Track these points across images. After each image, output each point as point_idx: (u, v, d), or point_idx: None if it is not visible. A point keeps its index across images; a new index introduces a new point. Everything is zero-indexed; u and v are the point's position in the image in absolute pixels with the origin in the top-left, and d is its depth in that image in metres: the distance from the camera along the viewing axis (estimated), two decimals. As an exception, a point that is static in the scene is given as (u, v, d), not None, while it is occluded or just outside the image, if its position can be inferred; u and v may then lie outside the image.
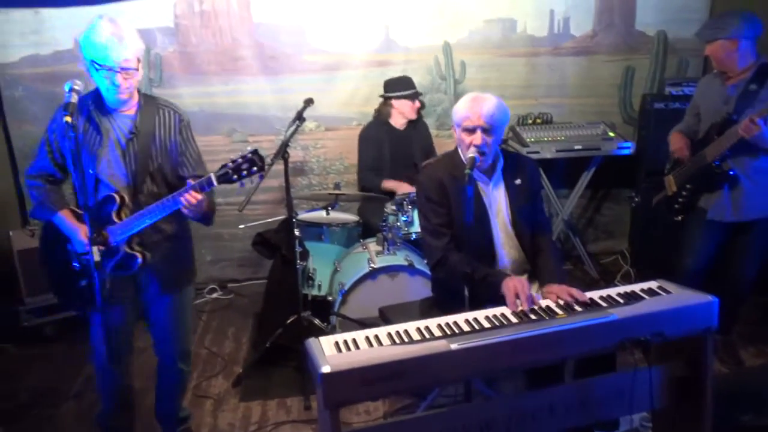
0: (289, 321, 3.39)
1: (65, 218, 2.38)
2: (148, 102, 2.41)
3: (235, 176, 2.24)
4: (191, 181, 2.26)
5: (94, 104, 2.33)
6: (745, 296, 3.33)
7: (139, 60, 2.27)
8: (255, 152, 2.25)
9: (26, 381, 3.47)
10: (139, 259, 2.37)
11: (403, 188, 3.87)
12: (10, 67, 4.25)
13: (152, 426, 2.86)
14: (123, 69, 2.21)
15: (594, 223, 5.07)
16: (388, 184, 4.02)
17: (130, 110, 2.36)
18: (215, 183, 2.24)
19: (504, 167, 2.57)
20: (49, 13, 4.17)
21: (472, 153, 2.36)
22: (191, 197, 2.23)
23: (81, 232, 2.34)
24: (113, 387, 2.60)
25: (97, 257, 2.13)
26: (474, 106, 2.38)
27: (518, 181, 2.57)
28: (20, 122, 4.32)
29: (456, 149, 2.57)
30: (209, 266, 4.75)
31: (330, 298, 3.56)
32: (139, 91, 2.40)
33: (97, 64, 2.19)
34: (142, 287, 2.52)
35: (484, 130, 2.38)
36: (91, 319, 2.50)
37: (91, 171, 2.30)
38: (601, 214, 5.05)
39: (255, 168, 2.24)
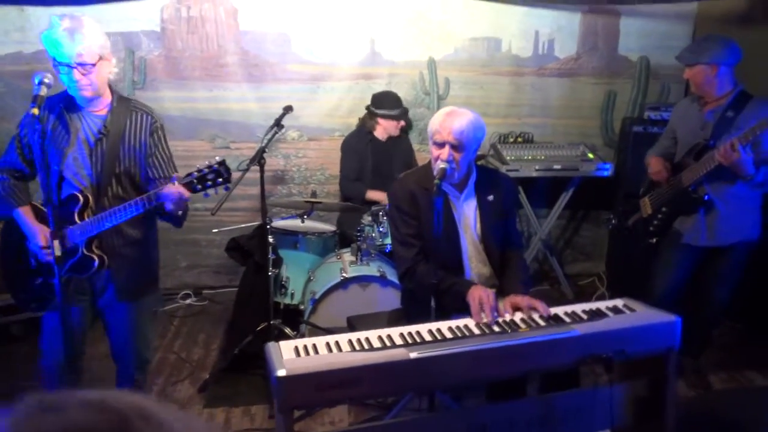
0: (259, 328, 3.36)
1: (24, 215, 2.34)
2: (122, 103, 2.38)
3: (199, 186, 2.23)
4: (177, 175, 2.25)
5: (65, 103, 2.31)
6: (716, 320, 3.34)
7: (100, 57, 2.22)
8: (222, 163, 2.24)
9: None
10: (96, 263, 2.33)
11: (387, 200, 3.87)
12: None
13: None
14: (79, 64, 2.18)
15: (572, 245, 5.09)
16: (373, 194, 4.03)
17: (102, 110, 2.35)
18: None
19: (477, 182, 2.57)
20: (34, 12, 4.16)
21: (442, 165, 2.36)
22: (175, 189, 2.19)
23: (39, 231, 2.30)
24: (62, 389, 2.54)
25: (58, 252, 2.11)
26: (445, 121, 2.38)
27: (491, 197, 2.57)
28: (1, 116, 4.30)
29: (429, 163, 2.57)
30: (184, 272, 4.72)
31: (302, 307, 3.53)
32: (113, 92, 2.38)
33: (56, 60, 2.18)
34: (97, 292, 2.47)
35: (453, 146, 2.37)
36: (43, 320, 2.45)
37: (56, 168, 2.28)
38: (580, 236, 5.07)
39: (220, 179, 2.24)
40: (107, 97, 2.36)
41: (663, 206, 3.18)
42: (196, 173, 2.22)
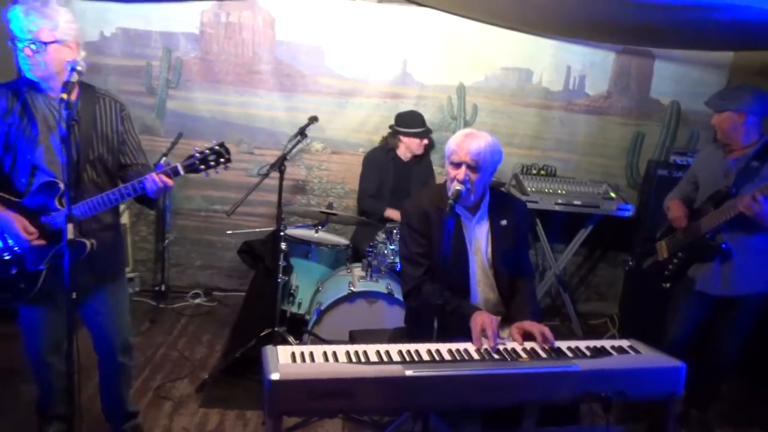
0: (262, 334, 3.37)
1: None
2: (87, 90, 2.38)
3: (202, 166, 2.28)
4: (163, 163, 2.28)
5: (29, 88, 2.28)
6: (726, 373, 3.25)
7: (56, 40, 2.19)
8: (221, 145, 2.30)
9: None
10: (86, 246, 2.33)
11: None
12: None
13: (101, 423, 2.81)
14: (30, 41, 2.15)
15: (587, 283, 5.02)
16: (392, 213, 4.03)
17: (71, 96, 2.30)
18: (182, 172, 2.27)
19: (490, 206, 2.56)
20: (79, 6, 4.28)
21: (458, 186, 2.36)
22: (159, 178, 2.23)
23: (15, 220, 2.28)
24: (53, 377, 2.56)
25: (71, 235, 2.13)
26: (464, 142, 2.39)
27: (504, 222, 2.56)
28: None
29: (445, 182, 2.57)
30: (197, 271, 4.76)
31: (308, 317, 3.53)
32: (79, 81, 2.29)
33: (13, 34, 2.16)
34: (78, 278, 2.39)
35: (470, 167, 2.38)
36: (23, 311, 2.46)
37: (28, 157, 2.27)
38: (595, 275, 5.01)
39: (221, 159, 2.29)
40: (62, 79, 2.24)
41: (679, 251, 3.13)
42: (197, 155, 2.28)
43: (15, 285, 2.35)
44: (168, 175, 2.25)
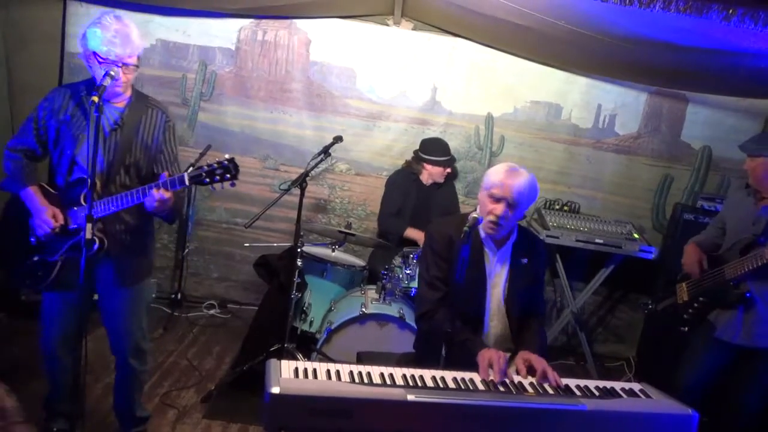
0: (272, 349, 3.36)
1: (34, 194, 2.43)
2: (139, 99, 2.50)
3: (207, 179, 2.32)
4: (166, 175, 2.32)
5: (87, 92, 2.41)
6: (741, 425, 3.14)
7: (138, 58, 2.37)
8: (231, 160, 2.34)
9: (5, 352, 3.49)
10: (96, 244, 2.39)
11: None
12: (77, 56, 4.48)
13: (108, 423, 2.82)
14: (125, 64, 2.32)
15: (605, 324, 4.92)
16: (412, 233, 4.02)
17: (121, 103, 2.45)
18: (187, 183, 2.31)
19: (515, 243, 2.54)
20: (124, 16, 4.40)
21: (491, 218, 2.35)
22: (157, 192, 2.28)
23: (47, 211, 2.38)
24: (60, 372, 2.59)
25: (89, 235, 2.18)
26: (508, 178, 2.37)
27: (524, 260, 2.54)
28: None
29: (473, 211, 2.56)
30: (214, 283, 4.79)
31: (318, 336, 3.51)
32: (133, 87, 2.48)
33: (100, 57, 2.29)
34: (96, 276, 2.53)
35: (509, 204, 2.37)
36: (46, 297, 2.52)
37: (70, 153, 2.38)
38: (614, 316, 4.91)
39: (228, 175, 2.33)
40: (127, 92, 2.46)
41: (700, 296, 3.05)
42: (206, 167, 2.32)
43: (35, 272, 2.43)
44: (165, 188, 2.29)
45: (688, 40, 3.37)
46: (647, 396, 2.14)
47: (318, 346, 3.32)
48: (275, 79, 4.56)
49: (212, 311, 4.63)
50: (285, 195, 3.59)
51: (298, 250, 3.35)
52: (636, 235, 4.27)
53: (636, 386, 2.21)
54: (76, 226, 2.39)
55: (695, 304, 3.09)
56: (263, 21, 4.47)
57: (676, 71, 3.92)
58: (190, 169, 2.37)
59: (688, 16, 3.16)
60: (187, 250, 4.62)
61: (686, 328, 3.12)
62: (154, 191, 2.28)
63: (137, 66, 2.38)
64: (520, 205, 2.39)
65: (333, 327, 3.27)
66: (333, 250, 3.86)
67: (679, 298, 3.19)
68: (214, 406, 3.26)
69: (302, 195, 3.30)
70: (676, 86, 4.48)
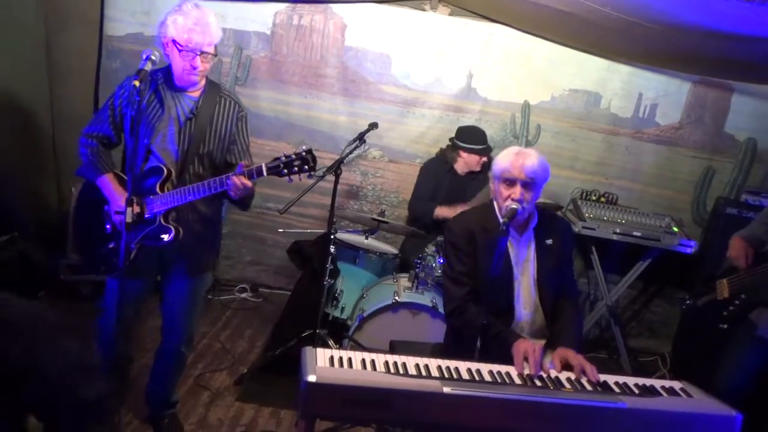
0: (303, 335, 3.37)
1: (109, 181, 2.46)
2: (213, 88, 2.51)
3: (285, 170, 2.30)
4: (243, 164, 2.32)
5: (164, 80, 2.44)
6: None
7: (215, 47, 2.39)
8: (309, 152, 2.32)
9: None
10: (173, 233, 2.42)
11: (457, 212, 3.80)
12: (115, 39, 4.52)
13: (139, 405, 2.87)
14: (203, 53, 2.34)
15: (639, 318, 4.83)
16: (442, 211, 3.94)
17: (195, 92, 2.47)
18: (265, 173, 2.30)
19: (537, 226, 2.50)
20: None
21: (514, 205, 2.31)
22: (239, 180, 2.28)
23: (123, 198, 2.39)
24: (113, 354, 2.63)
25: (129, 219, 2.20)
26: (517, 160, 2.34)
27: (549, 242, 2.50)
28: (111, 91, 4.40)
29: (491, 202, 2.52)
30: (246, 266, 4.82)
31: (349, 323, 3.52)
32: (207, 77, 2.50)
33: (179, 44, 2.31)
34: (166, 264, 2.57)
35: (524, 185, 2.33)
36: (109, 284, 2.56)
37: (146, 141, 2.40)
38: (650, 311, 4.81)
39: (306, 167, 2.31)
40: (202, 82, 2.48)
41: (742, 292, 2.96)
42: (283, 158, 2.30)
43: (110, 259, 2.46)
44: (246, 177, 2.29)
45: (736, 27, 3.25)
46: (688, 395, 2.09)
47: (350, 333, 3.33)
48: (310, 64, 4.54)
49: (244, 294, 4.67)
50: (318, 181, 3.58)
51: (332, 237, 3.34)
52: (675, 229, 4.16)
53: (677, 384, 2.15)
54: (151, 215, 2.41)
55: (736, 301, 3.00)
56: (299, 5, 4.44)
57: (721, 60, 3.80)
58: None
59: (736, 1, 3.05)
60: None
61: (726, 326, 3.03)
62: (235, 179, 2.28)
63: (215, 55, 2.39)
64: (535, 184, 2.36)
65: (365, 315, 3.27)
66: (366, 238, 3.85)
67: (719, 294, 3.10)
68: (246, 389, 3.29)
69: (336, 182, 3.29)
70: (721, 75, 4.32)
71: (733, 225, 3.88)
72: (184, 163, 2.44)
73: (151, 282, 2.63)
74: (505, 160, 2.38)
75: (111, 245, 2.49)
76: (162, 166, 2.40)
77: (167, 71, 2.44)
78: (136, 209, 2.35)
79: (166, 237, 2.43)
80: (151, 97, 2.41)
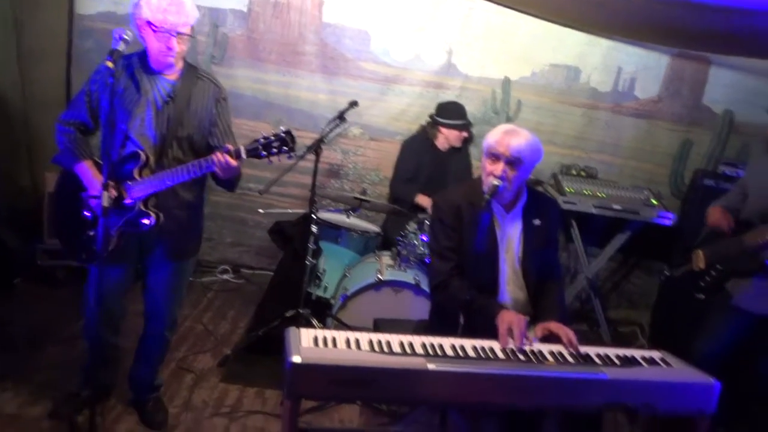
0: (287, 315, 3.37)
1: (88, 168, 2.41)
2: (190, 70, 2.45)
3: (264, 152, 2.26)
4: (229, 146, 2.28)
5: (140, 63, 2.38)
6: (757, 392, 3.13)
7: (192, 27, 2.33)
8: (288, 132, 2.28)
9: (23, 317, 3.52)
10: (153, 219, 2.39)
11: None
12: (86, 18, 4.41)
13: (122, 389, 2.86)
14: (179, 34, 2.28)
15: (619, 290, 4.90)
16: (422, 199, 3.97)
17: (173, 75, 2.41)
18: (244, 156, 2.26)
19: (526, 205, 2.50)
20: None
21: (495, 181, 2.30)
22: (223, 158, 2.24)
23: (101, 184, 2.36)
24: (100, 342, 2.61)
25: (105, 203, 2.16)
26: (504, 137, 2.34)
27: (537, 222, 2.50)
28: (84, 72, 4.44)
29: (479, 178, 2.52)
30: (227, 248, 4.79)
31: (333, 302, 3.52)
32: (184, 59, 2.44)
33: (154, 26, 2.25)
34: (147, 250, 2.54)
35: (509, 162, 2.32)
36: (93, 271, 2.53)
37: (123, 126, 2.34)
38: (629, 282, 4.88)
39: (285, 147, 2.27)
40: (179, 65, 2.42)
41: (718, 263, 3.00)
42: (262, 140, 2.27)
43: (90, 246, 2.42)
44: (232, 156, 2.25)
45: (715, -1, 3.25)
46: (668, 364, 2.13)
47: (334, 312, 3.33)
48: (287, 42, 4.47)
49: (226, 276, 4.65)
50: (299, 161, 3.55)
51: (313, 216, 3.32)
52: (654, 201, 4.21)
53: (656, 354, 2.19)
54: (132, 201, 2.36)
55: (712, 272, 3.04)
56: (276, -19, 4.37)
57: (700, 32, 3.79)
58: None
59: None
60: (200, 216, 4.61)
61: (702, 296, 3.08)
62: (220, 156, 2.24)
63: (192, 36, 2.33)
64: (521, 163, 2.34)
65: (349, 293, 3.27)
66: (348, 216, 3.83)
67: (695, 265, 3.13)
68: (230, 370, 3.29)
69: (317, 161, 3.26)
70: (699, 48, 4.34)
71: (711, 196, 3.91)
72: (162, 148, 2.38)
73: (133, 268, 2.59)
74: (493, 136, 2.38)
75: (92, 233, 2.44)
76: (139, 152, 2.35)
77: (143, 54, 2.37)
78: (113, 193, 2.30)
79: (146, 222, 2.38)
80: (127, 82, 2.35)
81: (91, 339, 2.63)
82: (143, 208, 2.38)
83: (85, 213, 2.45)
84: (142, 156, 2.34)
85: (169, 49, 2.28)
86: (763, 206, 2.88)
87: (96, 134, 2.51)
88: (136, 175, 2.34)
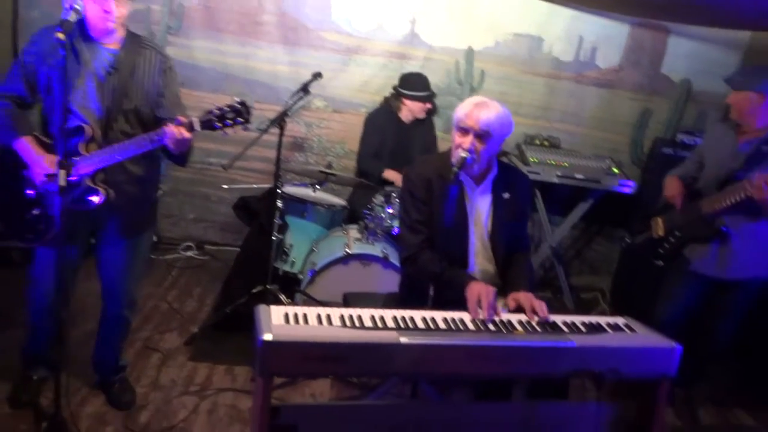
0: (254, 291, 3.34)
1: (29, 144, 2.29)
2: (134, 39, 2.35)
3: (219, 124, 2.22)
4: (181, 118, 2.21)
5: (79, 32, 2.25)
6: (715, 353, 3.26)
7: None
8: (242, 103, 2.23)
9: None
10: (102, 195, 2.30)
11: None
12: (32, -14, 4.20)
13: (87, 371, 2.80)
14: None
15: (581, 257, 5.01)
16: (390, 174, 3.96)
17: (114, 44, 2.30)
18: (197, 128, 2.20)
19: (496, 178, 2.51)
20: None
21: (463, 154, 2.30)
22: (177, 130, 2.17)
23: (45, 159, 2.26)
24: (48, 323, 2.53)
25: (63, 182, 2.08)
26: (474, 110, 2.32)
27: (506, 195, 2.51)
28: None
29: (449, 150, 2.51)
30: (190, 224, 4.71)
31: (300, 276, 3.50)
32: (126, 28, 2.34)
33: None
34: (98, 227, 2.46)
35: (477, 135, 2.32)
36: (40, 252, 2.44)
37: (64, 99, 2.23)
38: (591, 249, 4.99)
39: (240, 119, 2.23)
40: (120, 32, 2.31)
41: (676, 230, 3.09)
42: (216, 111, 2.21)
43: (36, 226, 2.33)
44: (185, 128, 2.18)
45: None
46: (632, 330, 2.18)
47: (302, 287, 3.31)
48: (246, 11, 4.34)
49: (189, 253, 4.57)
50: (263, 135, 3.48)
51: (278, 191, 3.27)
52: (615, 170, 4.28)
53: (621, 320, 2.24)
54: (78, 177, 2.25)
55: (671, 239, 3.12)
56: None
57: (662, 1, 3.84)
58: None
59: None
60: (160, 192, 4.49)
61: (661, 262, 3.17)
62: (174, 128, 2.16)
63: None
64: (490, 137, 2.33)
65: (317, 268, 3.26)
66: (314, 191, 3.79)
67: (654, 232, 3.22)
68: (198, 348, 3.25)
69: (281, 134, 3.20)
70: (658, 17, 4.39)
71: (670, 164, 4.00)
72: (108, 121, 2.28)
73: (84, 246, 2.51)
74: (463, 109, 2.36)
75: (36, 212, 2.34)
76: (84, 126, 2.24)
77: (81, 22, 2.24)
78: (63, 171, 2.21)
79: (96, 199, 2.29)
80: (67, 54, 2.22)
81: (41, 319, 2.54)
82: (91, 185, 2.28)
83: (28, 192, 2.34)
84: (87, 130, 2.24)
85: (107, 12, 2.18)
86: (719, 174, 2.96)
87: (34, 108, 2.40)
88: (82, 150, 2.24)
